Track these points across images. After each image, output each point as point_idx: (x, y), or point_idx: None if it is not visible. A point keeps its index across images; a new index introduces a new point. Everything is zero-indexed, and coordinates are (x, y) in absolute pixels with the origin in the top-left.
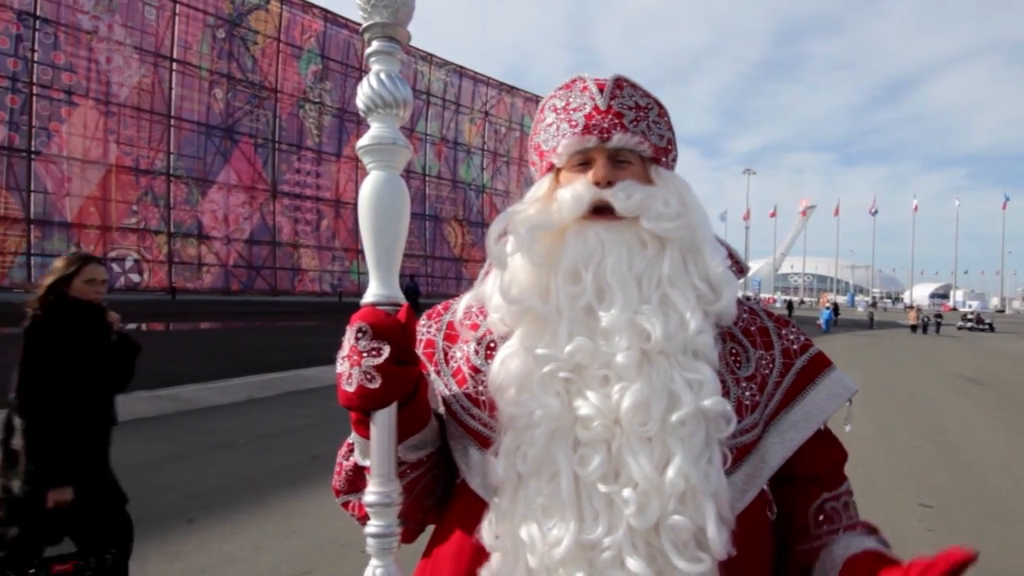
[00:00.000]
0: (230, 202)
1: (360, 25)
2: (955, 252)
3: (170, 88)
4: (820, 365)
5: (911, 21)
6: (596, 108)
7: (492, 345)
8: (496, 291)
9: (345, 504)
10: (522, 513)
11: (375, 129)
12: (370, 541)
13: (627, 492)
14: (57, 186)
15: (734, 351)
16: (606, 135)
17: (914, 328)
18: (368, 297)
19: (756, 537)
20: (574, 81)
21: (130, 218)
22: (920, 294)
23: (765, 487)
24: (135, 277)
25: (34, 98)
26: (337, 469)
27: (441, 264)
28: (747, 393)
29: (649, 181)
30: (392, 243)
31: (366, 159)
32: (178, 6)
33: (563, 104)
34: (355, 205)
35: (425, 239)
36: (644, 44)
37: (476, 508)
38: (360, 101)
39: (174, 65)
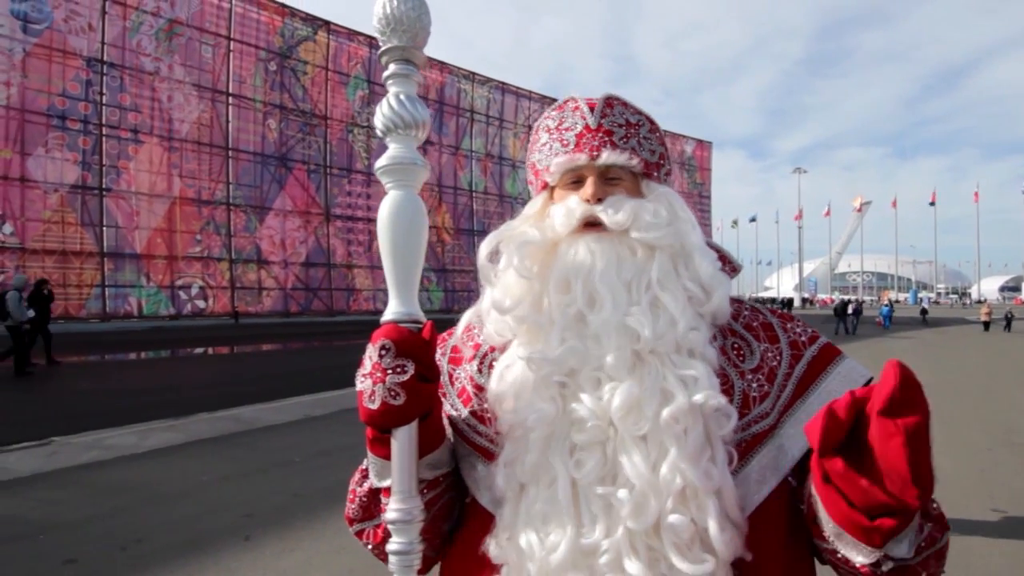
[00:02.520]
0: (286, 227)
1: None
2: None
3: (227, 121)
4: (831, 354)
5: (961, 5)
6: (587, 127)
7: (493, 363)
8: (488, 303)
9: (359, 533)
10: (523, 522)
11: (393, 149)
12: (392, 559)
13: (622, 493)
14: (127, 220)
15: (736, 345)
16: (595, 152)
17: (987, 325)
18: (388, 315)
19: (778, 530)
20: (566, 102)
21: (194, 247)
22: (989, 288)
23: (790, 478)
24: (200, 303)
25: (104, 138)
26: (350, 497)
27: None
28: (754, 384)
29: (640, 195)
30: (411, 261)
31: (384, 179)
32: (232, 43)
33: (556, 124)
34: None
35: (474, 255)
36: (684, 48)
37: (486, 524)
38: (378, 122)
39: (230, 99)
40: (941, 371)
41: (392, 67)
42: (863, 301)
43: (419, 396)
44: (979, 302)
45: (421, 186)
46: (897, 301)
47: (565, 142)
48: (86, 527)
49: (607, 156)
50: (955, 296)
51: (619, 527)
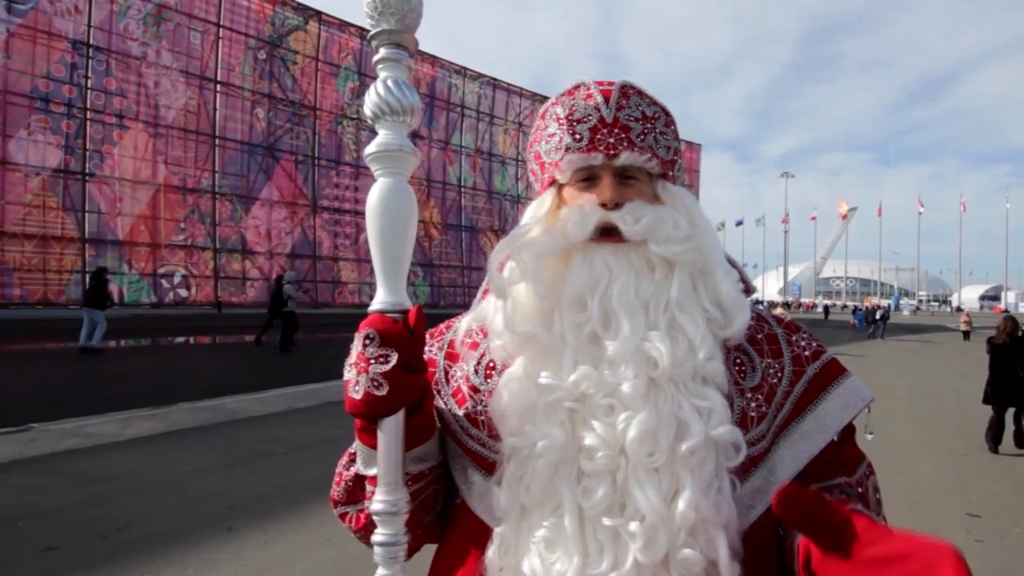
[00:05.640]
0: (272, 218)
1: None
2: (1005, 252)
3: (215, 109)
4: (834, 372)
5: (945, 16)
6: (602, 120)
7: (491, 365)
8: (499, 318)
9: (342, 516)
10: (525, 545)
11: (382, 136)
12: (377, 550)
13: (633, 526)
14: (110, 206)
15: (738, 360)
16: (613, 152)
17: (966, 335)
18: (375, 304)
19: (763, 555)
20: (577, 87)
21: (178, 235)
22: (969, 296)
23: None
24: (183, 292)
25: (88, 123)
26: (336, 479)
27: (478, 275)
28: (753, 404)
29: (656, 198)
30: (399, 250)
31: (374, 166)
32: (221, 30)
33: (566, 113)
34: None
35: (462, 250)
36: (672, 50)
37: (478, 533)
38: (367, 108)
39: (218, 87)
40: (921, 376)
41: (382, 51)
42: (888, 307)
43: (402, 387)
44: (959, 310)
45: (411, 174)
46: (878, 307)
47: (578, 136)
48: (66, 515)
49: (626, 157)
50: (935, 304)
51: (628, 559)
